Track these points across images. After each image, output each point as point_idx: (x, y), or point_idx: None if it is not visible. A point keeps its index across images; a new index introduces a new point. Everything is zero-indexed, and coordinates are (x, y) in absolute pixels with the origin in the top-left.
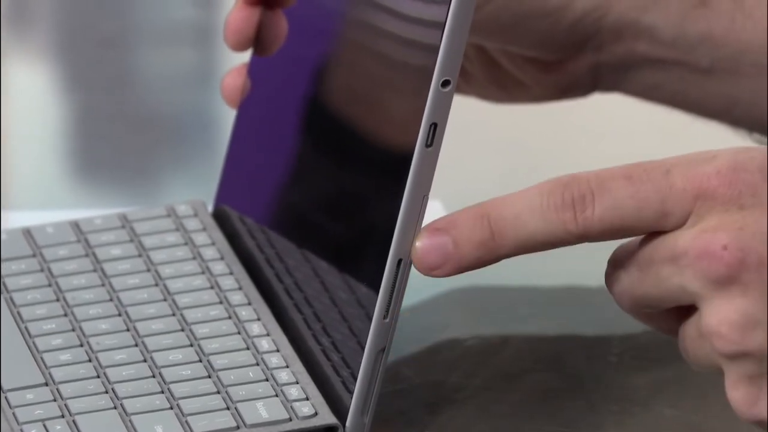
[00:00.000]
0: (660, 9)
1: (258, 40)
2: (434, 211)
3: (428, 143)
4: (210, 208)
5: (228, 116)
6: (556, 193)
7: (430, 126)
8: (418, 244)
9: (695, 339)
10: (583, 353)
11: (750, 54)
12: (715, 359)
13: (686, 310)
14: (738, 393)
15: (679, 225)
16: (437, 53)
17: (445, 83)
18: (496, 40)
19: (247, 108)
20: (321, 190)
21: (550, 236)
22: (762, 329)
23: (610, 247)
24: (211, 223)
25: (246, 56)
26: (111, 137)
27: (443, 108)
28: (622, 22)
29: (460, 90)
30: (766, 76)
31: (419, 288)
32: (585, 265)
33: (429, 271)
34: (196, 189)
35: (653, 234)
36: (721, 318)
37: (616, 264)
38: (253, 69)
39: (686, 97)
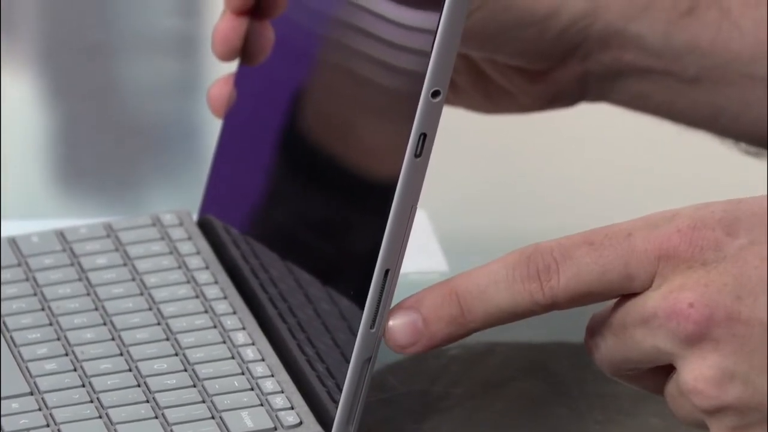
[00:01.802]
0: (647, 18)
1: (245, 50)
2: (419, 221)
3: (417, 153)
4: (195, 217)
5: (213, 125)
6: (521, 266)
7: (420, 136)
8: (390, 323)
9: (676, 397)
10: (568, 361)
11: (737, 63)
12: (697, 415)
13: (667, 368)
14: None
15: (646, 287)
16: (427, 63)
17: (435, 93)
18: (483, 49)
19: (232, 118)
20: (307, 201)
21: (518, 308)
22: (737, 382)
23: None
24: (197, 233)
25: (231, 66)
26: (96, 146)
27: (433, 118)
28: (608, 31)
29: (447, 101)
30: (754, 86)
31: (405, 296)
32: None
33: (401, 349)
34: (180, 198)
35: (624, 298)
36: (696, 375)
37: (593, 332)
38: (239, 79)
39: (673, 107)
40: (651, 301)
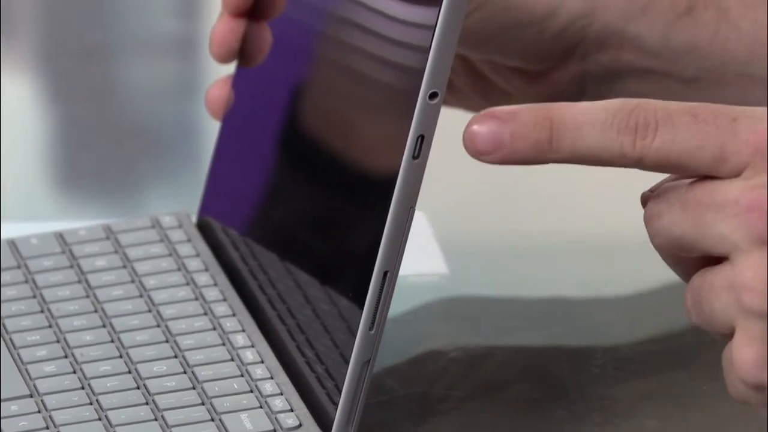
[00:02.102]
0: (645, 18)
1: (242, 52)
2: (419, 223)
3: (415, 155)
4: (194, 219)
5: (211, 127)
6: (622, 114)
7: (418, 138)
8: (475, 126)
9: (718, 288)
10: (566, 364)
11: (735, 64)
12: (730, 313)
13: (713, 262)
14: (750, 351)
15: (733, 174)
16: (425, 65)
17: (433, 95)
18: (482, 50)
19: (231, 120)
20: (306, 203)
21: (605, 154)
22: None
23: (595, 265)
24: (196, 235)
25: (229, 68)
26: (94, 148)
27: (431, 120)
28: (607, 32)
29: (446, 102)
30: (753, 86)
31: (404, 299)
32: (568, 277)
33: (478, 154)
34: (179, 200)
35: (705, 178)
36: (756, 272)
37: (661, 199)
38: (237, 81)
39: None
40: (735, 189)
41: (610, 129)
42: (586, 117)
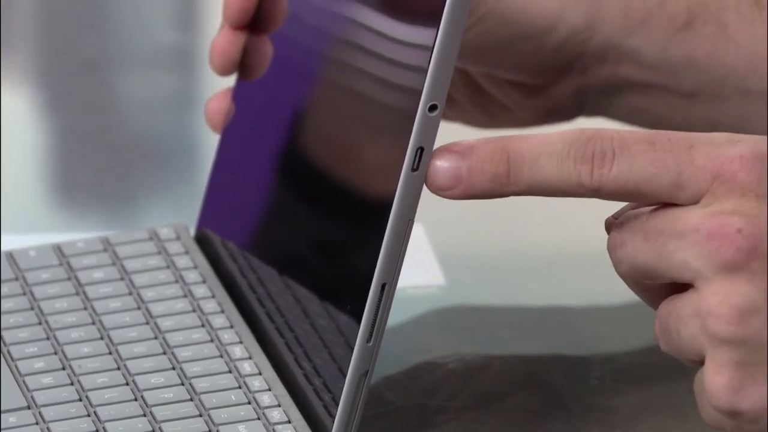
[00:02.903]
0: (644, 32)
1: (243, 65)
2: (416, 235)
3: (414, 167)
4: (192, 231)
5: (209, 140)
6: (578, 144)
7: (417, 150)
8: (435, 161)
9: (685, 317)
10: (563, 375)
11: (733, 78)
12: (699, 341)
13: (679, 288)
14: (721, 379)
15: (692, 201)
16: (424, 78)
17: (433, 108)
18: (481, 63)
19: (230, 132)
20: (305, 215)
21: (563, 185)
22: (761, 318)
23: (593, 276)
24: (194, 247)
25: (227, 81)
26: (92, 160)
27: (430, 132)
28: (606, 45)
29: (445, 116)
30: (750, 101)
31: (401, 311)
32: (566, 287)
33: (438, 190)
34: (177, 212)
35: (665, 205)
36: (722, 300)
37: (623, 228)
38: (237, 94)
39: (670, 122)
40: (696, 216)
41: (567, 159)
42: (543, 148)
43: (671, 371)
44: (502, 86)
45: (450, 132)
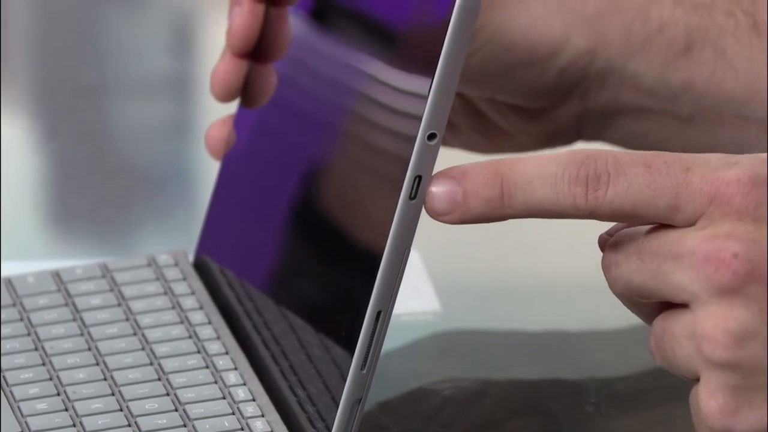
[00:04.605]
0: (644, 56)
1: (246, 93)
2: (412, 261)
3: (412, 196)
4: (191, 258)
5: (204, 167)
6: (572, 167)
7: (415, 179)
8: (432, 187)
9: (679, 337)
10: (560, 401)
11: (731, 104)
12: (694, 363)
13: (674, 305)
14: (715, 402)
15: (688, 223)
16: (424, 106)
17: (431, 136)
18: (484, 89)
19: (231, 159)
20: (302, 242)
21: (557, 207)
22: (757, 342)
23: (589, 302)
24: (192, 273)
25: (224, 109)
26: (88, 188)
27: (428, 161)
28: (607, 69)
29: (445, 142)
30: (747, 127)
31: (397, 337)
32: (562, 313)
33: (436, 215)
34: (173, 240)
35: (660, 226)
36: (717, 323)
37: (618, 249)
38: (238, 121)
39: (668, 146)
40: (691, 239)
41: (561, 182)
42: (536, 171)
43: (667, 397)
44: (502, 111)
45: (448, 156)
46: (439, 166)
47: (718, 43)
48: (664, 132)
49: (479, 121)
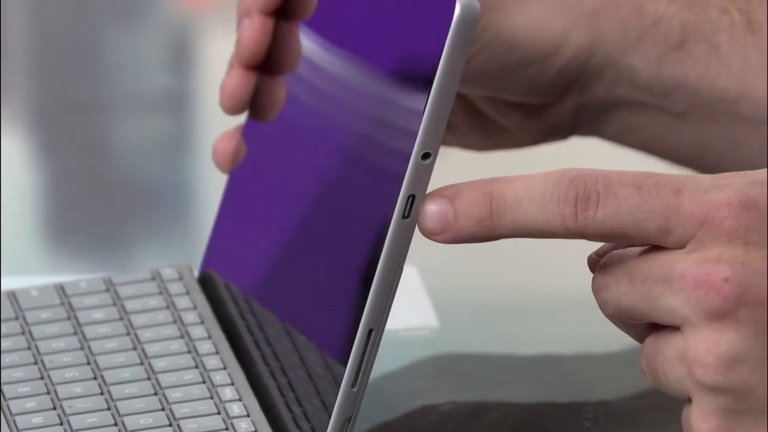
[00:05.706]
0: (639, 50)
1: (255, 105)
2: (410, 277)
3: (405, 215)
4: (196, 272)
5: (204, 182)
6: (561, 186)
7: (408, 198)
8: (426, 206)
9: (671, 360)
10: (557, 418)
11: (723, 101)
12: (686, 385)
13: (665, 326)
14: (707, 425)
15: (678, 245)
16: (419, 125)
17: (426, 156)
18: (486, 89)
19: (238, 172)
20: (306, 260)
21: (546, 227)
22: (747, 366)
23: (586, 319)
24: (195, 287)
25: (223, 124)
26: (86, 204)
27: (422, 180)
28: (605, 63)
29: (444, 141)
30: (738, 125)
31: (394, 354)
32: (560, 330)
33: (429, 235)
34: (172, 255)
35: (652, 249)
36: (709, 348)
37: (608, 271)
38: (246, 134)
39: (660, 142)
40: (682, 263)
41: (549, 201)
42: (525, 191)
43: (663, 415)
44: (502, 109)
45: (444, 173)
46: (434, 181)
47: (712, 39)
48: (657, 128)
49: (478, 119)
